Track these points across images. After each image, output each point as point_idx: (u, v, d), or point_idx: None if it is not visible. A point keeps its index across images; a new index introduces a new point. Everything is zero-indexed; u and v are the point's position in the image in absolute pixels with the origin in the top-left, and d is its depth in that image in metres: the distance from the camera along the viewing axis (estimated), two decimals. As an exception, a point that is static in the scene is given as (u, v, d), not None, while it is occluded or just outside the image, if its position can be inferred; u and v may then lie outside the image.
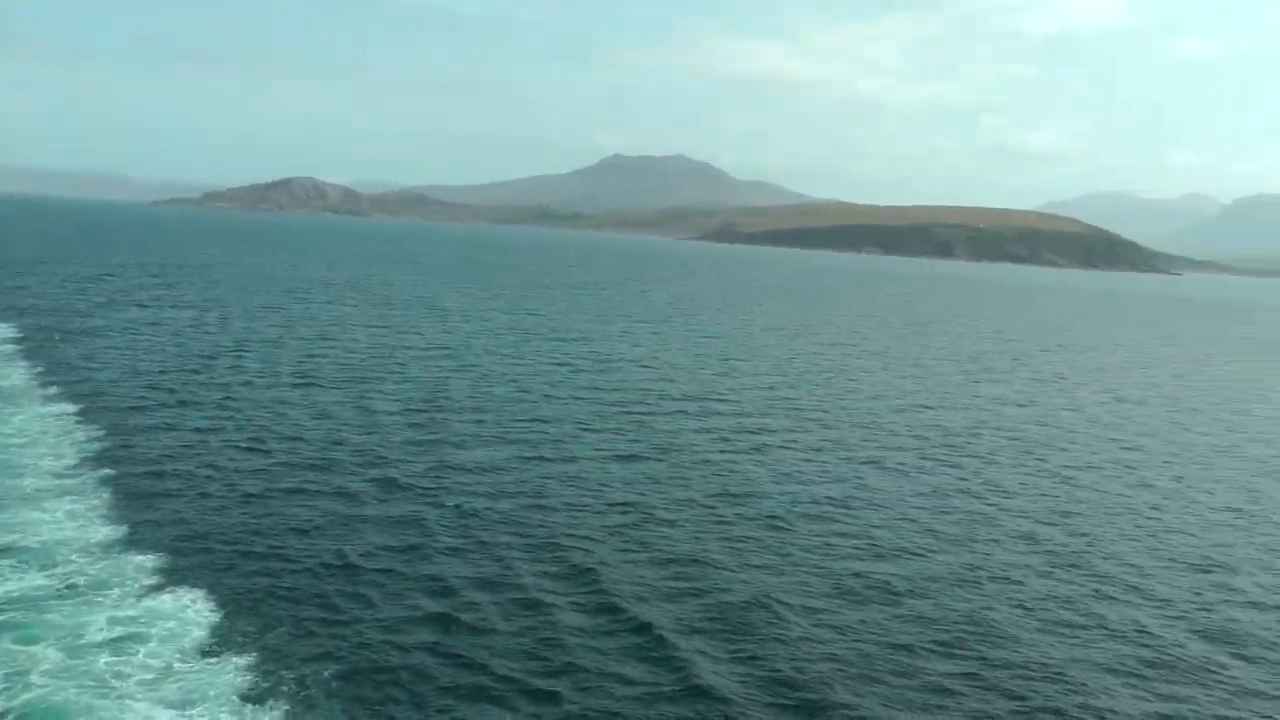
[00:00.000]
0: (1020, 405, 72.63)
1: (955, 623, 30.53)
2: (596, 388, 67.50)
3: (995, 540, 39.18)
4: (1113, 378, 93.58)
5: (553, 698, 24.34)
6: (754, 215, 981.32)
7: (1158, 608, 33.17)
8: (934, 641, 28.96)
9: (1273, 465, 57.60)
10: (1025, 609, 32.18)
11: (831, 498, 43.81)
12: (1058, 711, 25.36)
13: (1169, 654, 29.42)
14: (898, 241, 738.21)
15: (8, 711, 21.47)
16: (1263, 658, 29.72)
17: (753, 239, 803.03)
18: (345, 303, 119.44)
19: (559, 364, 77.73)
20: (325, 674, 24.48)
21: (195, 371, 64.53)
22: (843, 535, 38.61)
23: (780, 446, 53.24)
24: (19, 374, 58.81)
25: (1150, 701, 26.32)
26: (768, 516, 40.40)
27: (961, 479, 48.93)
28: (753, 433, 56.16)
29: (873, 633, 29.31)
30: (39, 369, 60.43)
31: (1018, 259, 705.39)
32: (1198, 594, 34.88)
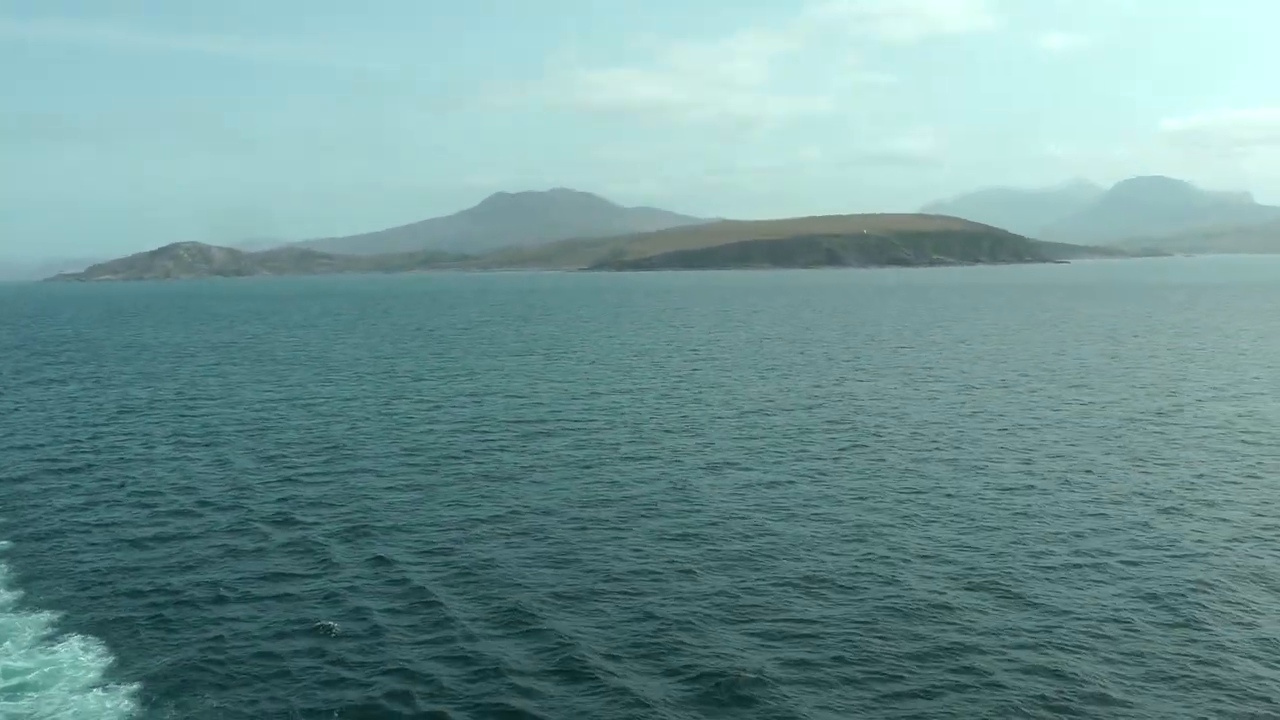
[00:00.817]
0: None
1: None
2: (460, 419, 70.19)
3: (833, 501, 42.44)
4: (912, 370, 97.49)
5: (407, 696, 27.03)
6: (642, 241, 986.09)
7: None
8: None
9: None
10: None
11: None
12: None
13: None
14: (787, 254, 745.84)
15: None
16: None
17: (642, 264, 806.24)
18: (228, 363, 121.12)
19: (425, 401, 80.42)
20: (207, 696, 26.86)
21: (80, 440, 66.63)
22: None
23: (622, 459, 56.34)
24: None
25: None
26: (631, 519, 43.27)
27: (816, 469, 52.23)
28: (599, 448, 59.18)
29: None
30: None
31: (905, 262, 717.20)
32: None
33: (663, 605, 33.21)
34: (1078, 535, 40.15)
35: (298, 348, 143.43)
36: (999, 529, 41.18)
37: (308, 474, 54.42)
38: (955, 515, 43.35)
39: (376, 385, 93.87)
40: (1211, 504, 44.63)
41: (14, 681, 27.80)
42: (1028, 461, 53.83)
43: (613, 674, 28.01)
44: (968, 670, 27.48)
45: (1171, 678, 26.80)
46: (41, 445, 65.42)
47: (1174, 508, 43.97)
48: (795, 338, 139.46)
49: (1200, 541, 38.93)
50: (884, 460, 54.81)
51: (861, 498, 46.81)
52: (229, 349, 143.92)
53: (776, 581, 35.36)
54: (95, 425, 73.44)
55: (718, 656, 28.86)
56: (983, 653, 28.61)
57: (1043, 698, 25.64)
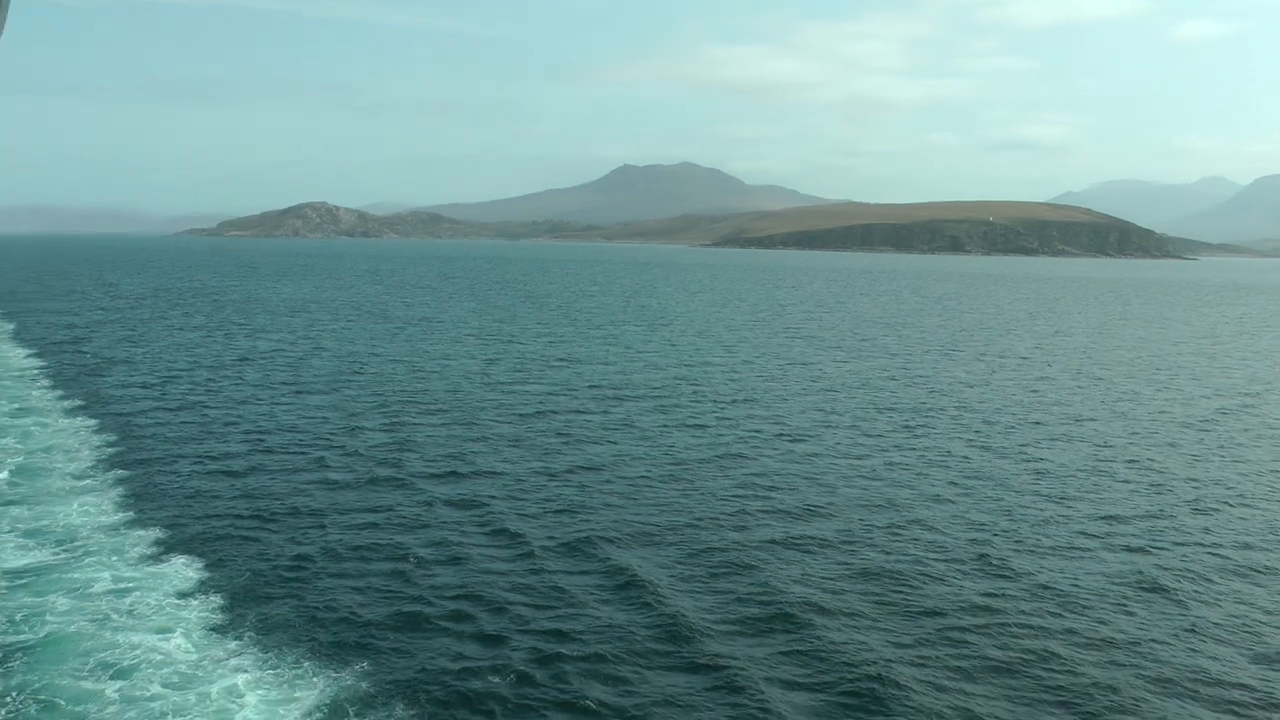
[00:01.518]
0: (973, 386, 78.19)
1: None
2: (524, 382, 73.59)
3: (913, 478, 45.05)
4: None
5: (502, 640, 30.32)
6: (765, 219, 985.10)
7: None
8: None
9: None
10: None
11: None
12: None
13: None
14: (909, 239, 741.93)
15: (29, 642, 27.32)
16: None
17: (764, 243, 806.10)
18: (342, 319, 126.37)
19: (524, 361, 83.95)
20: (282, 612, 30.24)
21: (197, 382, 71.81)
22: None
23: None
24: (43, 393, 65.40)
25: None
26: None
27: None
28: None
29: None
30: (60, 389, 66.96)
31: (1028, 251, 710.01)
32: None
33: (721, 544, 36.35)
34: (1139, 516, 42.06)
35: (410, 308, 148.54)
36: (1006, 504, 43.39)
37: (404, 422, 58.13)
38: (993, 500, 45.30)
39: (480, 346, 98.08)
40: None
41: (121, 587, 31.41)
42: (1098, 450, 55.38)
43: (665, 598, 31.28)
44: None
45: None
46: (162, 384, 70.49)
47: None
48: (895, 321, 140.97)
49: None
50: (931, 442, 56.66)
51: (895, 472, 49.14)
52: (345, 306, 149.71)
53: (834, 530, 38.09)
54: (213, 369, 78.70)
55: (781, 596, 31.68)
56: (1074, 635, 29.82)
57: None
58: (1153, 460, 52.76)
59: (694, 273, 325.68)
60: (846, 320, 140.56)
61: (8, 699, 23.56)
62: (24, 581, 31.55)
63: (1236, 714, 24.96)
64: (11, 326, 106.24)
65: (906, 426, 60.11)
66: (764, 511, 41.38)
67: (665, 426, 58.37)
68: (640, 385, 73.59)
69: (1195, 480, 48.41)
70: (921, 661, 27.42)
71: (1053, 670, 26.93)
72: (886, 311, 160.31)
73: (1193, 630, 29.95)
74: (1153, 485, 47.31)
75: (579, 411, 62.85)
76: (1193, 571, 35.14)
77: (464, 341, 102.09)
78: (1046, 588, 33.18)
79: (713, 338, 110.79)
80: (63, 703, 23.50)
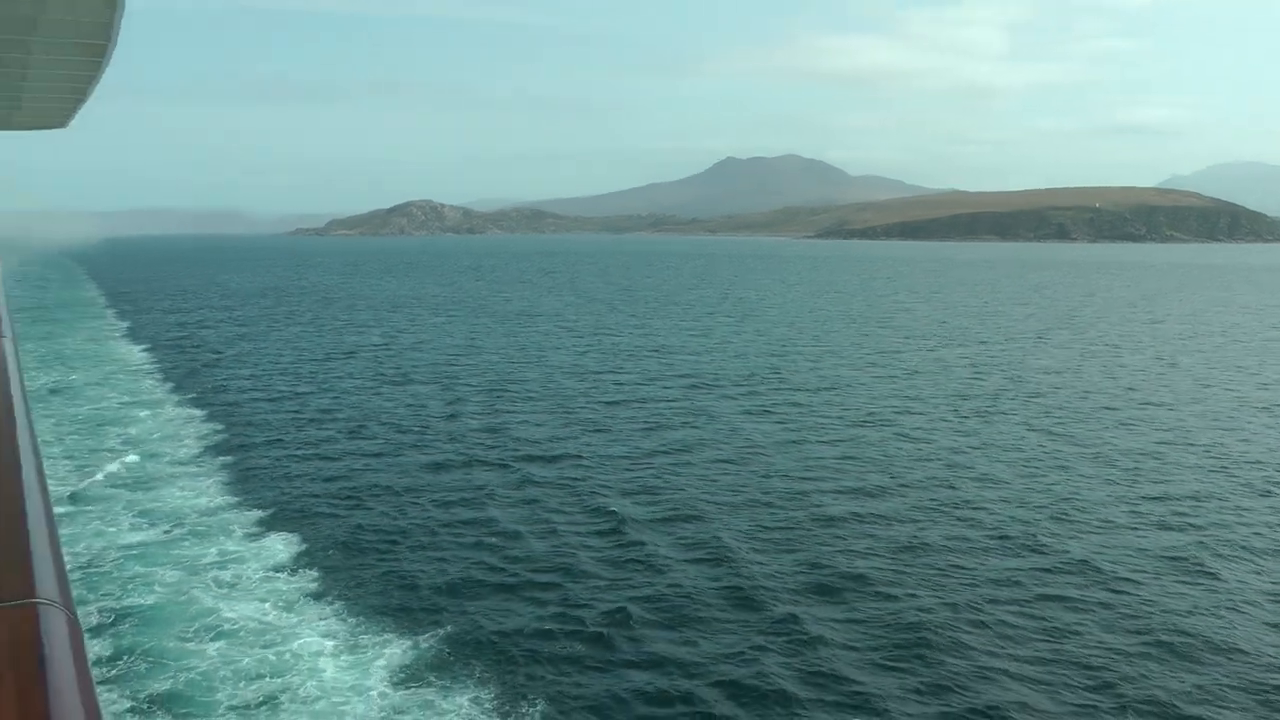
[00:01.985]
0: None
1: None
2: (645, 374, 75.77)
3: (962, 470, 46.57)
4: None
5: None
6: (866, 210, 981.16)
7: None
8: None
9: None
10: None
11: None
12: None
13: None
14: (1013, 227, 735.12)
15: (141, 608, 29.83)
16: None
17: (866, 234, 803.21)
18: (442, 314, 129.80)
19: (616, 355, 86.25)
20: (370, 583, 32.57)
21: (301, 374, 75.22)
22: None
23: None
24: (155, 386, 68.84)
25: None
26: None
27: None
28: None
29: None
30: (170, 381, 70.34)
31: (1136, 238, 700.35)
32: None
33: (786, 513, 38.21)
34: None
35: (509, 302, 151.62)
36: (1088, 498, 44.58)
37: (497, 409, 60.60)
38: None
39: (575, 338, 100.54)
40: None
41: (227, 559, 33.97)
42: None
43: (747, 563, 33.24)
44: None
45: None
46: (267, 376, 73.93)
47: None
48: (987, 310, 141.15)
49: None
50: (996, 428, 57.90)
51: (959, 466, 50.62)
52: (445, 301, 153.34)
53: (942, 528, 39.65)
54: (316, 362, 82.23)
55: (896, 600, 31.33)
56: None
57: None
58: (1226, 446, 53.25)
59: (792, 265, 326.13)
60: (938, 310, 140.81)
61: (120, 659, 25.96)
62: (136, 555, 34.12)
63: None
64: (126, 324, 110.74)
65: (983, 412, 61.16)
66: (837, 491, 42.97)
67: (747, 412, 60.09)
68: (728, 374, 75.27)
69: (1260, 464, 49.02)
70: (978, 633, 28.81)
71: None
72: (980, 301, 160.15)
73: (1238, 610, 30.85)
74: (1217, 470, 47.81)
75: (666, 399, 64.90)
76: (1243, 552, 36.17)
77: (559, 334, 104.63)
78: (1089, 565, 34.27)
79: (803, 329, 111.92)
80: (168, 661, 25.84)
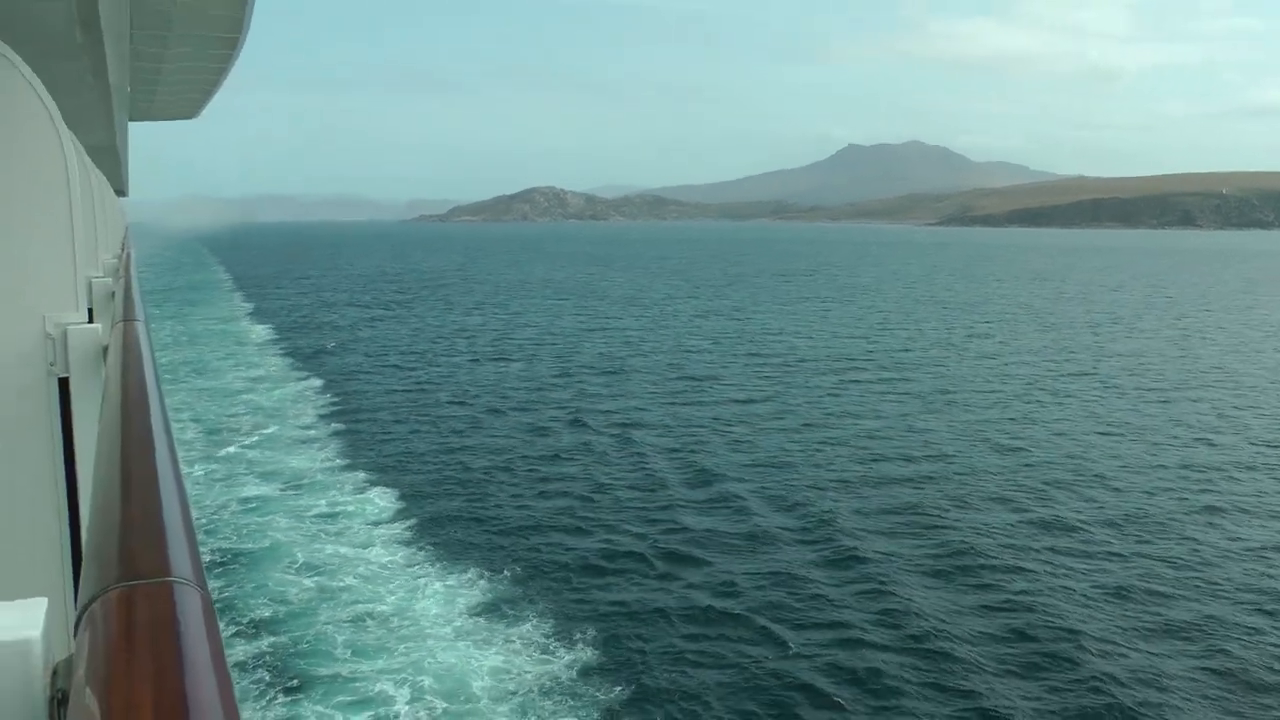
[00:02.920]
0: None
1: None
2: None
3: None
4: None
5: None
6: (988, 197, 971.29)
7: None
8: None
9: None
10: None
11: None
12: None
13: None
14: (1136, 214, 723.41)
15: (254, 550, 33.56)
16: None
17: (988, 221, 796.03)
18: (554, 298, 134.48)
19: (711, 337, 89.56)
20: (460, 533, 35.91)
21: (417, 352, 79.90)
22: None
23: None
24: (278, 361, 73.72)
25: None
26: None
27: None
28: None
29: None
30: (291, 357, 75.11)
31: (1264, 224, 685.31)
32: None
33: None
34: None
35: (616, 287, 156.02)
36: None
37: (595, 389, 64.00)
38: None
39: (677, 322, 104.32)
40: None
41: (336, 512, 37.73)
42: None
43: (868, 551, 35.40)
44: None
45: None
46: (382, 353, 78.95)
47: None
48: (1091, 300, 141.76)
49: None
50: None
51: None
52: (557, 285, 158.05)
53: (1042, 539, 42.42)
54: (427, 340, 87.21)
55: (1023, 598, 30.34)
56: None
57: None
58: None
59: (902, 251, 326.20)
60: (1034, 297, 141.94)
61: (231, 588, 29.72)
62: (254, 507, 37.96)
63: None
64: (252, 305, 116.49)
65: (1064, 397, 63.13)
66: (954, 476, 44.89)
67: (833, 391, 63.01)
68: (824, 355, 78.29)
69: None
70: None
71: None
72: (1074, 291, 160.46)
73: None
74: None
75: (749, 376, 68.32)
76: None
77: (666, 318, 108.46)
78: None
79: (906, 312, 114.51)
80: (273, 588, 29.55)
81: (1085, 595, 30.24)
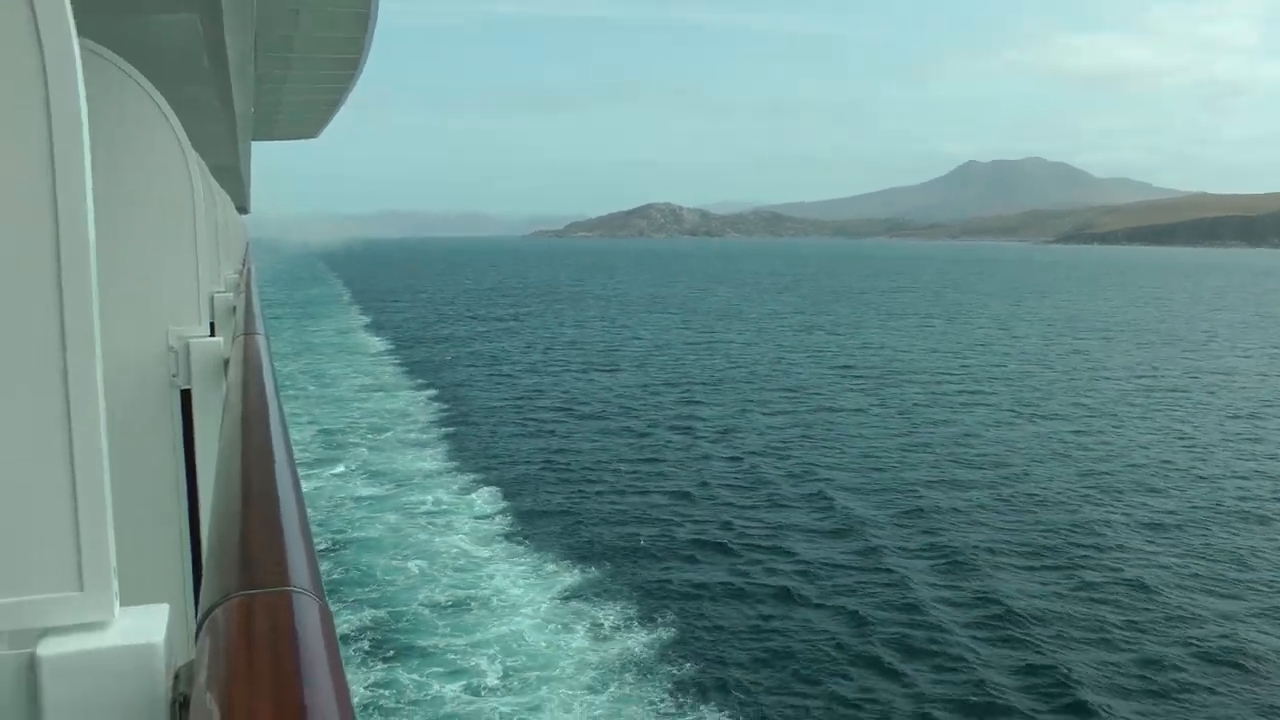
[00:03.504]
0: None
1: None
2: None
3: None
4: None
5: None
6: (1108, 214, 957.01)
7: None
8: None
9: None
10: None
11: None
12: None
13: None
14: (1260, 232, 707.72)
15: (364, 539, 35.77)
16: None
17: (1106, 239, 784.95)
18: (660, 311, 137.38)
19: (813, 354, 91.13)
20: (558, 531, 37.91)
21: (528, 361, 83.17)
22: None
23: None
24: (393, 370, 76.67)
25: None
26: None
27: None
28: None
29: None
30: (405, 366, 78.12)
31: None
32: None
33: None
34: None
35: (727, 303, 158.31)
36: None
37: (694, 398, 66.02)
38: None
39: (779, 336, 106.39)
40: None
41: (441, 509, 39.99)
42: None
43: (986, 574, 37.06)
44: None
45: None
46: (492, 363, 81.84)
47: None
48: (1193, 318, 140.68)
49: None
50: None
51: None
52: (665, 300, 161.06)
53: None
54: (542, 352, 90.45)
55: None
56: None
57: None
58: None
59: (1011, 269, 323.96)
60: (1137, 314, 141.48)
61: (339, 571, 32.05)
62: (367, 503, 40.36)
63: None
64: (369, 318, 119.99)
65: (1147, 413, 63.40)
66: (1077, 501, 46.23)
67: (921, 405, 64.18)
68: (917, 369, 79.71)
69: None
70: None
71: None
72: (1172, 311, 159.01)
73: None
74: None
75: (838, 387, 70.24)
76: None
77: (762, 332, 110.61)
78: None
79: (1002, 329, 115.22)
80: (379, 574, 31.84)
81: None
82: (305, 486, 2.66)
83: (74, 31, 1.78)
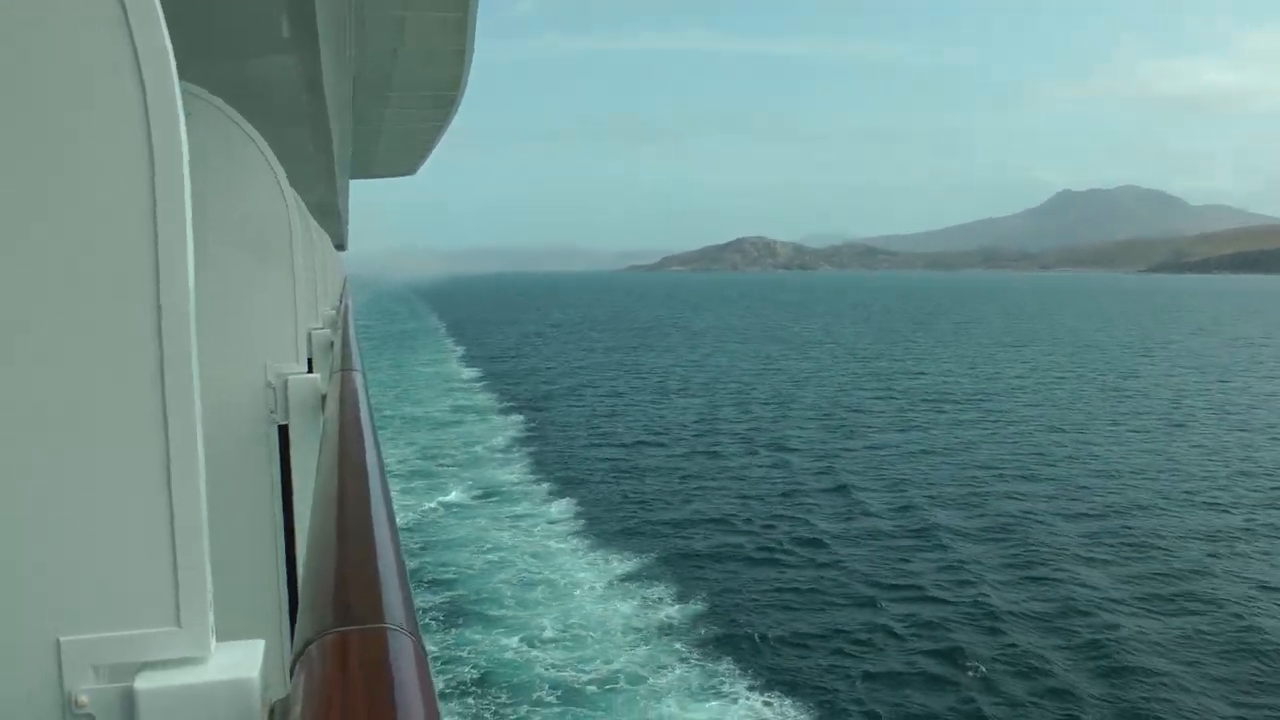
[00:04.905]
0: None
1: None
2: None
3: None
4: None
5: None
6: (1204, 242, 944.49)
7: None
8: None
9: None
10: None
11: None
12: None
13: None
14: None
15: (450, 539, 39.27)
16: None
17: (1199, 267, 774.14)
18: (739, 342, 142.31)
19: (881, 381, 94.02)
20: (625, 532, 41.01)
21: (608, 390, 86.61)
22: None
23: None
24: (482, 396, 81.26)
25: None
26: None
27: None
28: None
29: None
30: (493, 392, 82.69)
31: None
32: None
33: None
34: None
35: (804, 332, 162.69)
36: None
37: (761, 419, 69.46)
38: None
39: (851, 362, 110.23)
40: None
41: (520, 515, 43.57)
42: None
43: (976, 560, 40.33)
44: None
45: None
46: (577, 389, 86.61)
47: None
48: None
49: None
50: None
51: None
52: (742, 331, 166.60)
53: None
54: (618, 378, 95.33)
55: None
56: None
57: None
58: None
59: (1094, 299, 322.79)
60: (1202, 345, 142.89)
61: (425, 563, 35.87)
62: (459, 508, 44.33)
63: None
64: (463, 349, 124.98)
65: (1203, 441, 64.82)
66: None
67: (973, 426, 67.37)
68: (973, 393, 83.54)
69: None
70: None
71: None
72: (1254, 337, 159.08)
73: None
74: None
75: (899, 411, 73.74)
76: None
77: (839, 360, 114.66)
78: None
79: (1070, 357, 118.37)
80: (459, 565, 35.78)
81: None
82: (398, 506, 4.44)
83: (175, 75, 1.89)
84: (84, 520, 1.96)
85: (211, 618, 2.02)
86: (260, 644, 2.02)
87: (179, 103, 1.92)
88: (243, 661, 1.95)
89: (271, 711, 1.91)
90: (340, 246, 58.84)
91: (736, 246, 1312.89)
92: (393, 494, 3.13)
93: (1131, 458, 55.93)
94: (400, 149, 35.83)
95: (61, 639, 1.94)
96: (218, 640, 2.02)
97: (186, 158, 1.93)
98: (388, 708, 1.62)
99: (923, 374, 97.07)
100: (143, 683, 1.89)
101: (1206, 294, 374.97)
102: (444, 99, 24.41)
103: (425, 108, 25.73)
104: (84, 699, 1.91)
